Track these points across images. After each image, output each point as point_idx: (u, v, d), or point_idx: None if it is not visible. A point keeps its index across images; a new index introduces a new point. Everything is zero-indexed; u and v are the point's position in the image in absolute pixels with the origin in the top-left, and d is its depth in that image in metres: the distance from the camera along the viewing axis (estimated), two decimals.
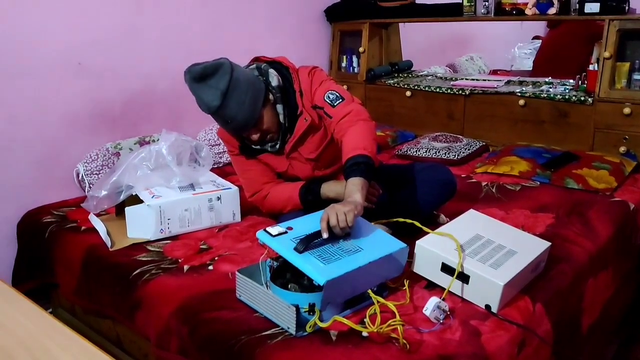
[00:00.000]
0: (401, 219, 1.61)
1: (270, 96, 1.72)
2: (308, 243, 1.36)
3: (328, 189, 1.75)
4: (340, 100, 1.70)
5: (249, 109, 1.63)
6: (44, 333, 1.00)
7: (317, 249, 1.37)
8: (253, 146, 1.80)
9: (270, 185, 1.86)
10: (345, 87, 3.20)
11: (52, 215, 2.13)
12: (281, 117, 1.74)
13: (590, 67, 2.55)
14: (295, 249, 1.34)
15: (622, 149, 2.44)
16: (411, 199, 1.78)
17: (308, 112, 1.74)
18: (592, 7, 2.47)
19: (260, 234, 1.42)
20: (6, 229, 2.19)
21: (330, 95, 1.71)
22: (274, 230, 1.41)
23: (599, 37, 2.53)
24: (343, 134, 1.64)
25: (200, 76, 1.60)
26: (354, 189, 1.49)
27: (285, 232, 1.41)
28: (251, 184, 1.88)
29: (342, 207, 1.40)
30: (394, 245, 1.44)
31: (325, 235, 1.38)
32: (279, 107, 1.73)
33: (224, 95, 1.59)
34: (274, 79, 1.72)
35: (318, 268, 1.29)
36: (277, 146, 1.78)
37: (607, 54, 2.44)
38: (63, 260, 1.94)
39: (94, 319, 1.90)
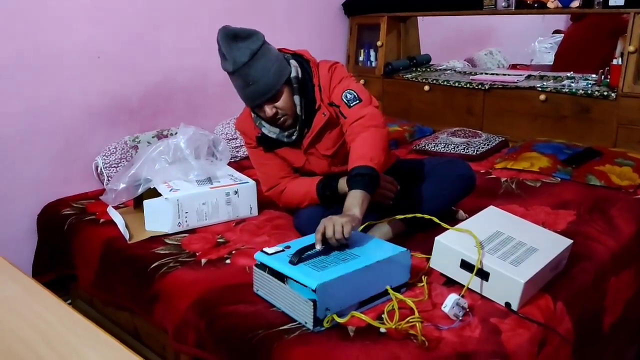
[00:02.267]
0: (419, 215, 1.59)
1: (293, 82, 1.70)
2: (301, 255, 1.35)
3: (346, 184, 1.74)
4: (357, 101, 1.68)
5: (273, 77, 1.63)
6: (63, 324, 1.00)
7: (312, 260, 1.37)
8: (268, 135, 1.77)
9: (287, 179, 1.85)
10: (362, 81, 3.20)
11: (71, 207, 2.15)
12: (298, 109, 1.72)
13: (614, 62, 2.50)
14: (290, 261, 1.34)
15: None
16: (429, 194, 1.76)
17: (326, 107, 1.73)
18: (617, 0, 2.42)
19: (257, 255, 1.43)
20: (26, 221, 2.22)
21: (348, 94, 1.69)
22: (270, 249, 1.42)
23: (623, 31, 2.48)
24: (353, 138, 1.62)
25: (235, 35, 1.60)
26: (354, 203, 1.47)
27: (283, 251, 1.42)
28: (268, 178, 1.88)
29: (339, 219, 1.40)
30: (394, 250, 1.43)
31: (318, 247, 1.38)
32: (296, 98, 1.71)
33: (253, 55, 1.59)
34: (294, 70, 1.71)
35: (311, 274, 1.29)
36: (294, 137, 1.76)
37: (631, 48, 2.39)
38: (82, 252, 1.96)
39: (112, 311, 1.92)
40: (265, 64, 1.61)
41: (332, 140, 1.77)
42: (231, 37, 1.60)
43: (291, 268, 1.33)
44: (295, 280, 1.30)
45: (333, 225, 1.38)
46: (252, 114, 1.80)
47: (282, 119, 1.71)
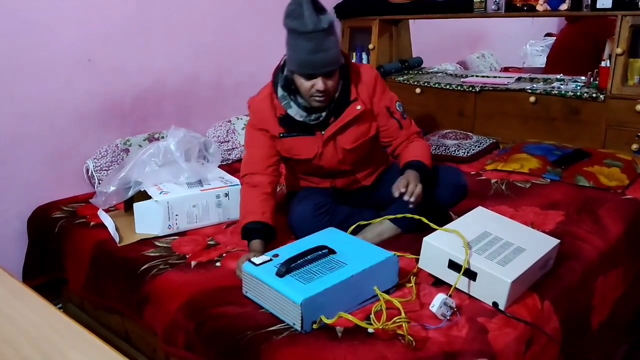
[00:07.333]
0: (409, 215, 1.61)
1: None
2: (289, 265, 1.36)
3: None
4: (406, 114, 1.87)
5: (337, 53, 1.66)
6: (52, 328, 1.00)
7: (299, 270, 1.37)
8: (294, 117, 1.73)
9: (270, 170, 1.78)
10: None
11: (62, 210, 2.15)
12: (337, 94, 1.74)
13: (602, 64, 2.52)
14: (277, 272, 1.35)
15: (635, 146, 2.41)
16: (423, 200, 1.77)
17: (363, 102, 1.75)
18: (605, 3, 2.44)
19: (245, 266, 1.43)
20: (17, 224, 2.22)
21: (399, 106, 1.85)
22: (258, 260, 1.43)
23: (613, 34, 2.50)
24: (407, 144, 1.82)
25: (315, 2, 1.61)
26: (412, 177, 1.64)
27: (270, 260, 1.43)
28: (251, 162, 1.80)
29: (419, 185, 1.61)
30: (380, 255, 1.44)
31: (396, 194, 1.57)
32: (341, 83, 1.74)
33: (331, 26, 1.62)
34: (340, 58, 1.73)
35: (297, 288, 1.30)
36: (321, 118, 1.74)
37: (619, 50, 2.41)
38: (72, 255, 1.96)
39: (103, 314, 1.92)
40: (336, 39, 1.67)
41: (355, 134, 1.79)
42: (312, 2, 1.60)
43: (278, 280, 1.34)
44: (282, 294, 1.31)
45: (416, 186, 1.59)
46: (279, 93, 1.74)
47: (324, 97, 1.69)
